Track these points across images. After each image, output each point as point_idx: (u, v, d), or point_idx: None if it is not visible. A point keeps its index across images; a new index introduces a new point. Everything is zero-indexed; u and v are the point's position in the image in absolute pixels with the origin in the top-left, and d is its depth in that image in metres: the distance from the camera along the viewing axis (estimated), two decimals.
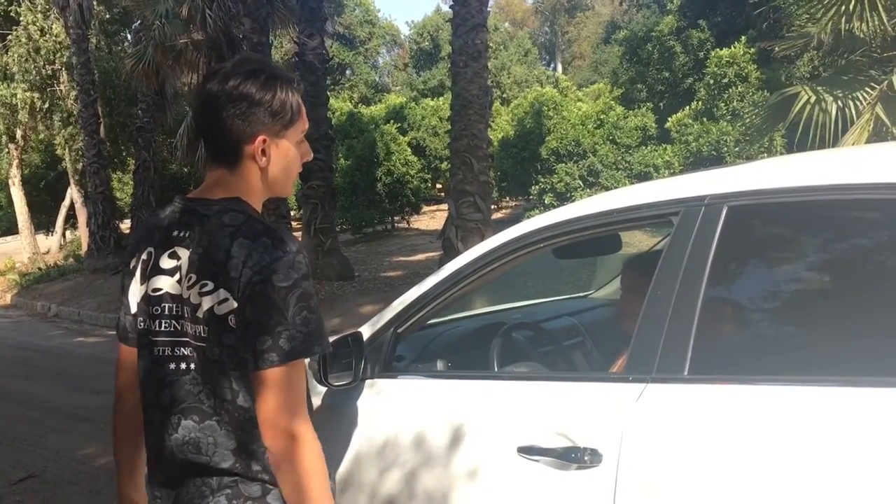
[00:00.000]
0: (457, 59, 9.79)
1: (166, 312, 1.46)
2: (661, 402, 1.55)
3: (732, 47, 14.74)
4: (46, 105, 19.65)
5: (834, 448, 1.32)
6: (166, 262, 1.46)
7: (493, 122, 16.52)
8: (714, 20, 18.21)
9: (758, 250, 1.80)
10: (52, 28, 18.80)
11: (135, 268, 1.52)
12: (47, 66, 19.21)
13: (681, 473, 1.46)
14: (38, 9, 18.92)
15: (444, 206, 15.86)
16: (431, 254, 13.35)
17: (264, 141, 1.46)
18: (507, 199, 20.71)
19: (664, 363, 1.57)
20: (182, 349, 1.44)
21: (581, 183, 15.36)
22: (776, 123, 7.31)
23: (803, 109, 6.17)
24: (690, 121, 14.77)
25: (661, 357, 1.58)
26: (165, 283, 1.46)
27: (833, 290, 1.73)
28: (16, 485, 4.65)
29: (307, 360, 1.54)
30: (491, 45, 13.66)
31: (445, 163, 17.65)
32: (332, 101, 17.37)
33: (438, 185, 22.69)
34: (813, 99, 6.16)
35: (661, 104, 17.97)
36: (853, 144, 5.61)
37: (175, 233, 1.47)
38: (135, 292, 1.52)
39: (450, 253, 9.25)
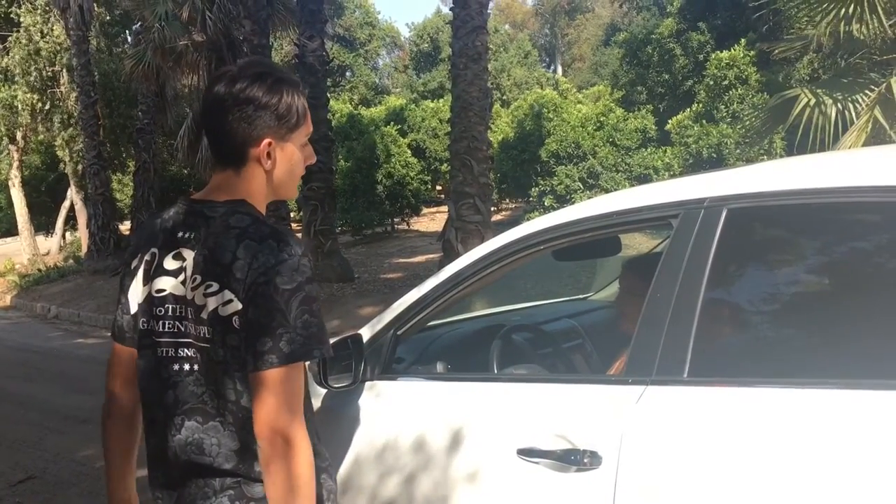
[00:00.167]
0: (457, 61, 9.79)
1: (170, 313, 1.46)
2: (661, 405, 1.55)
3: (732, 50, 14.75)
4: (47, 107, 19.65)
5: (833, 450, 1.32)
6: (170, 264, 1.47)
7: (493, 124, 16.51)
8: (714, 23, 18.22)
9: (757, 253, 1.80)
10: (52, 30, 18.80)
11: (136, 268, 1.52)
12: (48, 68, 19.21)
13: (680, 476, 1.47)
14: (39, 11, 18.92)
15: (444, 208, 15.86)
16: (431, 255, 13.35)
17: (270, 144, 1.47)
18: (507, 201, 20.71)
19: (664, 365, 1.58)
20: (185, 350, 1.45)
21: (581, 185, 15.36)
22: (776, 126, 7.32)
23: (803, 112, 6.17)
24: (690, 122, 14.77)
25: (660, 359, 1.58)
26: (169, 284, 1.46)
27: (832, 293, 1.73)
28: (15, 486, 4.65)
29: (307, 363, 1.54)
30: (491, 47, 13.69)
31: (445, 165, 17.65)
32: (332, 102, 17.36)
33: (438, 187, 22.69)
34: (812, 101, 6.16)
35: (661, 106, 17.97)
36: (851, 147, 5.60)
37: (180, 234, 1.47)
38: (136, 293, 1.52)
39: (449, 255, 9.25)
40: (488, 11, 10.29)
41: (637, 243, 3.78)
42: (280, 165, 1.50)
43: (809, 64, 13.91)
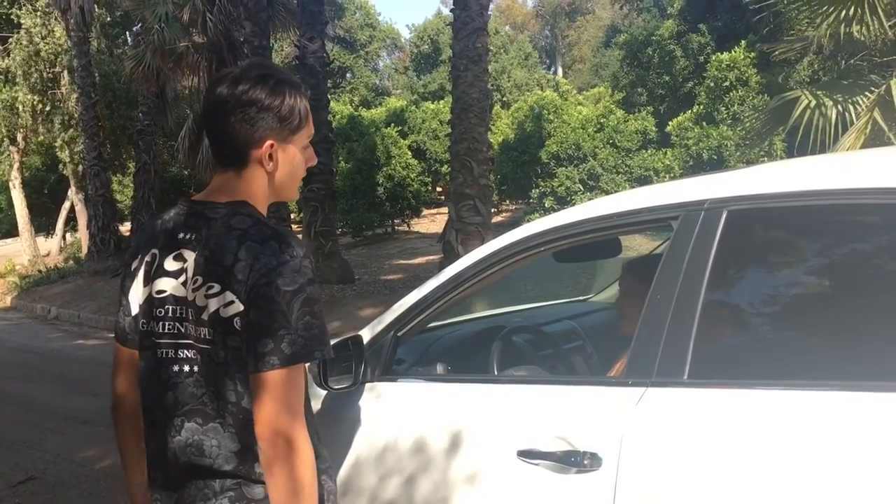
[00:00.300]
0: (457, 63, 9.80)
1: (170, 314, 1.46)
2: (661, 406, 1.55)
3: (733, 51, 14.76)
4: (47, 108, 19.67)
5: (833, 452, 1.32)
6: (171, 265, 1.47)
7: (493, 125, 16.52)
8: (714, 24, 18.24)
9: (757, 254, 1.80)
10: (53, 31, 18.82)
11: (136, 269, 1.52)
12: (48, 70, 19.22)
13: (680, 477, 1.47)
14: (39, 12, 18.93)
15: (445, 210, 15.87)
16: (431, 257, 13.35)
17: (272, 146, 1.47)
18: (508, 202, 20.70)
19: (664, 367, 1.58)
20: (185, 351, 1.45)
21: (581, 187, 15.37)
22: (776, 127, 7.31)
23: (803, 114, 6.16)
24: (691, 124, 14.78)
25: (660, 361, 1.58)
26: (169, 286, 1.46)
27: (832, 295, 1.73)
28: (15, 487, 4.65)
29: (307, 364, 1.54)
30: (491, 48, 13.68)
31: (446, 166, 17.64)
32: (332, 104, 17.38)
33: (439, 189, 22.69)
34: (813, 103, 6.15)
35: (662, 108, 17.98)
36: (849, 148, 5.60)
37: (181, 235, 1.47)
38: (136, 294, 1.52)
39: (450, 256, 9.25)
40: (489, 13, 10.29)
41: (637, 245, 3.79)
42: (281, 167, 1.50)
43: (810, 66, 13.92)
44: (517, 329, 2.64)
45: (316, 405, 2.14)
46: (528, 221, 2.62)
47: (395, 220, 19.57)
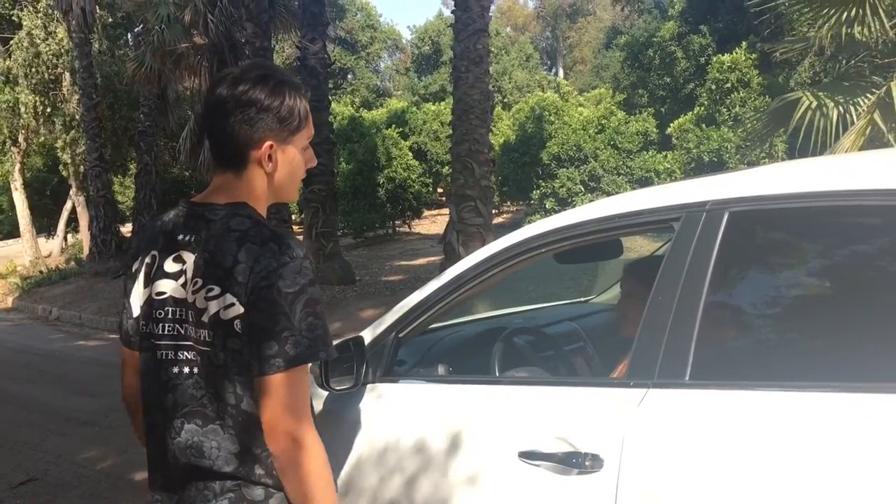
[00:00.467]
0: (458, 64, 9.80)
1: (169, 316, 1.46)
2: (663, 408, 1.55)
3: (734, 53, 14.76)
4: (49, 109, 19.69)
5: (835, 454, 1.32)
6: (171, 266, 1.46)
7: (494, 126, 16.53)
8: (715, 25, 18.24)
9: (759, 256, 1.80)
10: (56, 31, 18.84)
11: (138, 271, 1.52)
12: (50, 71, 19.24)
13: (682, 479, 1.46)
14: (41, 14, 18.96)
15: (446, 211, 15.87)
16: (432, 258, 13.35)
17: (271, 146, 1.47)
18: (509, 203, 20.71)
19: (665, 368, 1.58)
20: (185, 353, 1.44)
21: (582, 188, 15.37)
22: (777, 129, 7.30)
23: (805, 115, 6.15)
24: (692, 126, 14.78)
25: (662, 362, 1.58)
26: (169, 287, 1.46)
27: (834, 296, 1.73)
28: (17, 488, 4.65)
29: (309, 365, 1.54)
30: (492, 49, 13.68)
31: (447, 167, 17.64)
32: (333, 105, 17.39)
33: (440, 190, 22.69)
34: (814, 104, 6.15)
35: (663, 109, 17.99)
36: (848, 150, 5.59)
37: (180, 237, 1.47)
38: (137, 295, 1.52)
39: (451, 257, 9.25)
40: (490, 14, 10.29)
41: (638, 246, 3.78)
42: (281, 168, 1.50)
43: (811, 67, 13.92)
44: (518, 330, 2.64)
45: (317, 406, 2.14)
46: (530, 223, 2.62)
47: (396, 222, 19.58)
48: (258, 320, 1.37)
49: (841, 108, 6.06)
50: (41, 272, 19.02)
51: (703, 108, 15.09)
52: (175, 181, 20.51)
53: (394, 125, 20.01)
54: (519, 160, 17.08)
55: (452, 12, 10.15)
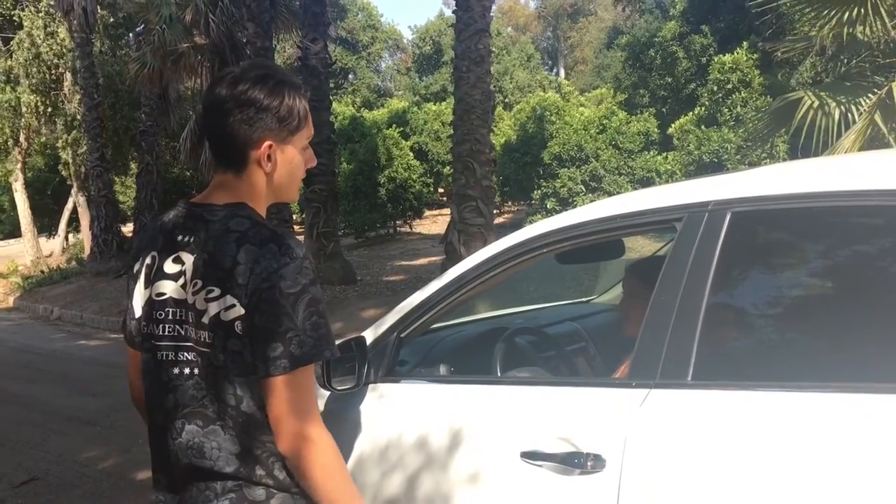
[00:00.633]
0: (459, 64, 9.80)
1: (170, 317, 1.46)
2: (665, 408, 1.55)
3: (735, 53, 14.74)
4: (50, 109, 19.70)
5: (837, 455, 1.32)
6: (170, 267, 1.46)
7: (495, 126, 16.55)
8: (717, 25, 18.23)
9: (761, 256, 1.79)
10: (57, 31, 18.85)
11: (139, 272, 1.52)
12: (51, 71, 19.26)
13: (684, 479, 1.46)
14: (42, 14, 18.97)
15: (447, 211, 15.88)
16: (434, 258, 13.34)
17: (270, 146, 1.47)
18: (510, 203, 20.70)
19: (668, 369, 1.57)
20: (185, 354, 1.44)
21: (583, 188, 15.36)
22: (779, 129, 7.29)
23: (806, 115, 6.14)
24: (693, 126, 14.76)
25: (664, 363, 1.58)
26: (169, 288, 1.46)
27: (836, 297, 1.72)
28: (18, 488, 4.65)
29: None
30: (493, 49, 13.67)
31: (448, 167, 17.62)
32: (334, 105, 17.40)
33: (441, 190, 22.68)
34: (816, 104, 6.14)
35: (664, 109, 17.98)
36: (848, 150, 5.58)
37: (179, 237, 1.47)
38: (139, 296, 1.52)
39: (452, 257, 9.25)
40: (491, 14, 10.29)
41: (640, 247, 3.78)
42: (280, 168, 1.50)
43: (812, 67, 13.90)
44: (520, 330, 2.64)
45: (319, 406, 2.14)
46: (531, 223, 2.62)
47: (398, 222, 19.57)
48: (261, 322, 1.36)
49: (843, 108, 6.05)
50: (42, 272, 19.05)
51: (704, 109, 15.08)
52: (176, 181, 20.52)
53: (395, 125, 20.00)
54: (520, 160, 17.07)
55: (454, 12, 10.15)
